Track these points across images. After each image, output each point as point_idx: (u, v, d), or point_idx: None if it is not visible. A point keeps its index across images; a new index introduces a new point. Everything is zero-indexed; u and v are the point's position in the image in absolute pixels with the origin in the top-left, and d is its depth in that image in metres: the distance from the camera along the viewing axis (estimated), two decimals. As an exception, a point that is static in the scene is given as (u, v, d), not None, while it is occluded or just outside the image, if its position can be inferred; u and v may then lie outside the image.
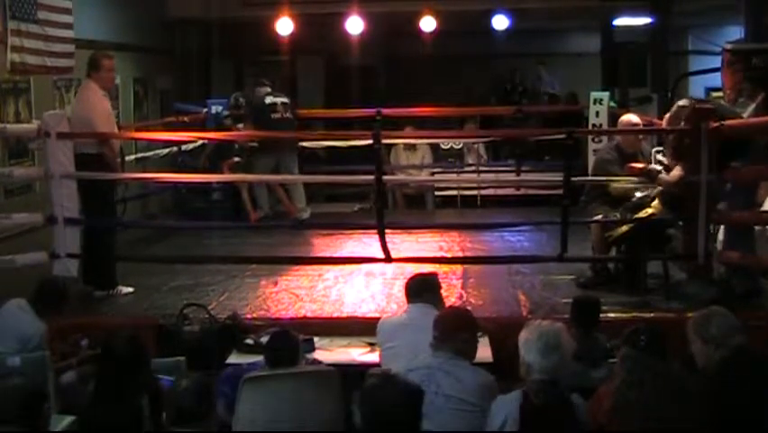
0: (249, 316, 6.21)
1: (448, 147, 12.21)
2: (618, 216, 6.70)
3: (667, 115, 6.79)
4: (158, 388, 4.33)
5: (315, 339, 5.58)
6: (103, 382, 4.11)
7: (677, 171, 6.40)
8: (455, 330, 4.27)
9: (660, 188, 6.54)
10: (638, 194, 6.72)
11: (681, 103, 6.61)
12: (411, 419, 3.27)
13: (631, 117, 7.42)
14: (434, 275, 5.39)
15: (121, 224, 7.66)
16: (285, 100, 9.63)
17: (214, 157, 9.77)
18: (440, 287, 5.29)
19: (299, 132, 10.06)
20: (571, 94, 14.14)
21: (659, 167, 6.55)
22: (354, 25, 11.38)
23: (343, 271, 7.37)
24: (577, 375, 4.32)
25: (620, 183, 6.84)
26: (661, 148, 6.68)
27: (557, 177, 6.99)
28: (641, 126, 7.45)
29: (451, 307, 5.32)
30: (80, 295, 6.62)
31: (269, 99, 9.51)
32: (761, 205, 6.78)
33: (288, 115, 9.52)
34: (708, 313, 4.08)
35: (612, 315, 5.99)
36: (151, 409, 4.09)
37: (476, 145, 12.16)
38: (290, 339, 4.66)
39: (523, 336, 3.87)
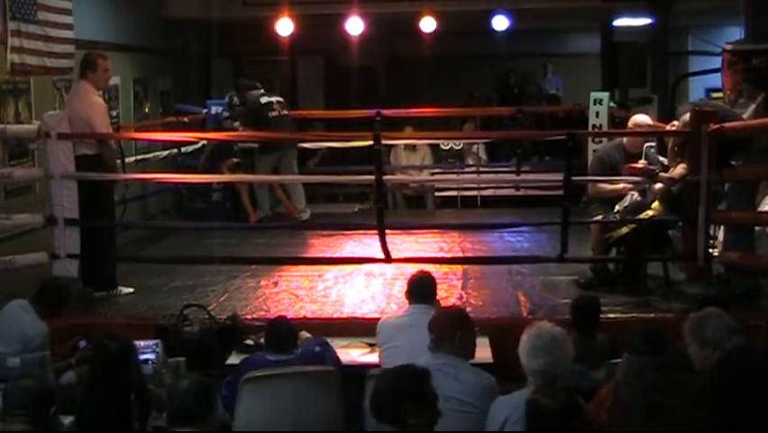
0: (249, 316, 6.21)
1: (448, 147, 12.21)
2: (618, 216, 6.70)
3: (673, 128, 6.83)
4: (145, 386, 4.36)
5: (316, 340, 5.59)
6: (93, 381, 4.18)
7: (681, 169, 6.40)
8: (450, 331, 4.27)
9: (653, 188, 6.54)
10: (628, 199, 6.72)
11: (686, 117, 6.56)
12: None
13: (645, 118, 7.37)
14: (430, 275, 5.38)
15: (121, 224, 7.65)
16: (279, 99, 9.81)
17: (213, 158, 9.77)
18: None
19: (299, 132, 10.08)
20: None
21: (652, 165, 6.55)
22: (354, 26, 11.36)
23: (343, 271, 7.37)
24: (577, 377, 4.31)
25: (601, 186, 6.85)
26: (653, 144, 6.67)
27: (557, 177, 6.98)
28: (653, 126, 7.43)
29: (443, 308, 5.30)
30: (80, 295, 6.60)
31: (264, 99, 9.63)
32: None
33: (284, 112, 9.66)
34: (704, 315, 4.05)
35: (612, 315, 6.00)
36: (139, 408, 4.13)
37: (474, 147, 12.15)
38: (287, 323, 5.10)
39: (523, 338, 3.88)
